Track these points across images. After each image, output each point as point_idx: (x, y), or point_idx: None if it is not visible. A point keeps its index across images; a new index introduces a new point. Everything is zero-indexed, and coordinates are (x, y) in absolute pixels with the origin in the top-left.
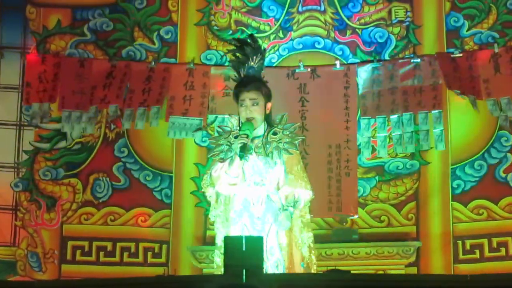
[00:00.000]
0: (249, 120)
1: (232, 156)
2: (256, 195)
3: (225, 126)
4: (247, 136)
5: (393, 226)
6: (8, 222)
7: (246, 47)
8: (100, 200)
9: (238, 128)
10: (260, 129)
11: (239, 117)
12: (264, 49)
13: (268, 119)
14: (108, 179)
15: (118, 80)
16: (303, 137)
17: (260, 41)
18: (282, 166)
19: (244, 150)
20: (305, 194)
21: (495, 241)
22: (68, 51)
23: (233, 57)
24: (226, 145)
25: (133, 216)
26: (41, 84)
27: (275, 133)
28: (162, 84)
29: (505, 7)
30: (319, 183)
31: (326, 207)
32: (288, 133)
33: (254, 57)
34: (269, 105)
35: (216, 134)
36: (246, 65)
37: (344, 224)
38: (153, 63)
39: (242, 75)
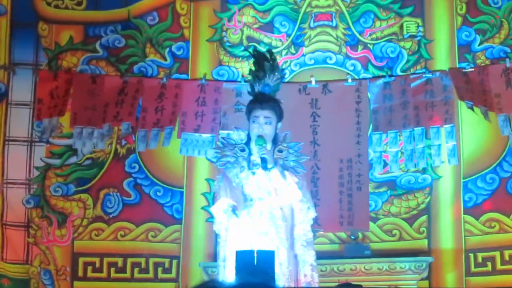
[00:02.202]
0: (261, 136)
1: (240, 170)
2: (259, 210)
3: (229, 138)
4: (266, 148)
5: (405, 240)
6: (21, 239)
7: (266, 63)
8: (111, 216)
9: (243, 142)
10: (268, 147)
11: (248, 132)
12: (283, 69)
13: (274, 138)
14: (118, 194)
15: (130, 96)
16: (308, 158)
17: (277, 60)
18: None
19: (266, 162)
20: (310, 212)
21: (507, 253)
22: (80, 68)
23: (250, 70)
24: (232, 156)
25: (144, 231)
26: (52, 100)
27: (280, 151)
28: (174, 102)
29: None
30: (331, 198)
31: (337, 222)
32: (293, 151)
33: (272, 75)
34: (279, 125)
35: (220, 145)
36: (263, 81)
37: (356, 238)
38: (164, 79)
39: (257, 91)
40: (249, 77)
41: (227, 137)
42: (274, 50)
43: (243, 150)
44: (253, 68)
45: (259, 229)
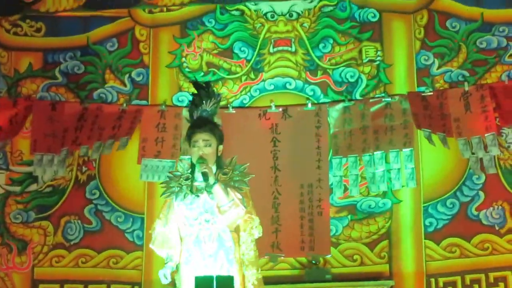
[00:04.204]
0: (201, 157)
1: (183, 196)
2: (207, 234)
3: (176, 171)
4: (207, 164)
5: (366, 265)
6: None
7: (202, 90)
8: (72, 243)
9: (188, 171)
10: (212, 169)
11: (191, 160)
12: (219, 95)
13: (218, 161)
14: (79, 221)
15: (90, 122)
16: (253, 175)
17: (214, 87)
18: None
19: (207, 176)
20: (255, 231)
21: (468, 278)
22: (39, 94)
23: (189, 100)
24: (177, 186)
25: (105, 258)
26: (11, 127)
27: (225, 173)
28: (133, 120)
29: (475, 46)
30: (292, 223)
31: (298, 247)
32: (238, 172)
33: (208, 101)
34: (220, 147)
35: (167, 179)
36: (200, 108)
37: (317, 263)
38: (124, 105)
39: (195, 117)
40: (189, 106)
41: (174, 171)
42: (234, 76)
43: (187, 179)
44: (192, 98)
45: (207, 253)
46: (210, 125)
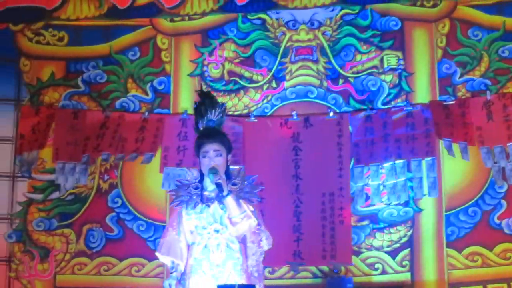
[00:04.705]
0: (213, 167)
1: (193, 205)
2: (216, 243)
3: (184, 179)
4: (220, 174)
5: (387, 274)
6: (2, 273)
7: (205, 99)
8: (94, 250)
9: (197, 180)
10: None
11: (200, 170)
12: (223, 104)
13: (227, 171)
14: (101, 229)
15: (112, 130)
16: (262, 187)
17: (216, 98)
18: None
19: (222, 187)
20: (264, 244)
21: None
22: (62, 103)
23: (194, 109)
24: (186, 196)
25: (127, 266)
26: (34, 135)
27: (234, 184)
28: (155, 134)
29: (497, 55)
30: (313, 231)
31: (320, 255)
32: (248, 184)
33: (213, 111)
34: (229, 157)
35: (175, 187)
36: (206, 117)
37: (339, 272)
38: (146, 113)
39: (201, 128)
40: (195, 116)
41: (182, 179)
42: (255, 85)
43: (196, 188)
44: (197, 108)
45: (215, 262)
46: (220, 136)
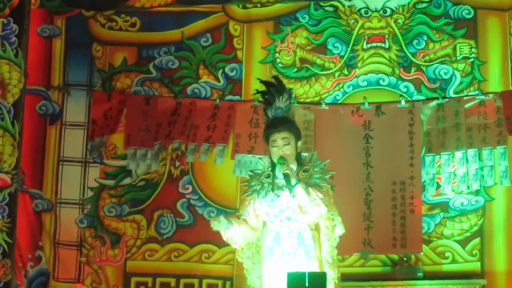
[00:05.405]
0: (282, 157)
1: (265, 193)
2: (287, 231)
3: (257, 169)
4: (288, 164)
5: (457, 263)
6: (73, 258)
7: (271, 88)
8: (164, 237)
9: (269, 169)
10: (292, 167)
11: (270, 158)
12: (290, 89)
13: (298, 158)
14: (172, 215)
15: (183, 117)
16: (333, 172)
17: (284, 83)
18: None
19: (289, 178)
20: (338, 229)
21: None
22: (133, 89)
23: (261, 99)
24: (258, 185)
25: (197, 253)
26: (105, 121)
27: (305, 171)
28: (227, 122)
29: None
30: (384, 220)
31: (390, 244)
32: (318, 169)
33: (280, 97)
34: (299, 144)
35: (248, 178)
36: (274, 105)
37: (409, 260)
38: (218, 100)
39: (271, 116)
40: (263, 105)
41: (254, 169)
42: (327, 72)
43: (268, 177)
44: (263, 97)
45: (287, 250)
46: (287, 124)
